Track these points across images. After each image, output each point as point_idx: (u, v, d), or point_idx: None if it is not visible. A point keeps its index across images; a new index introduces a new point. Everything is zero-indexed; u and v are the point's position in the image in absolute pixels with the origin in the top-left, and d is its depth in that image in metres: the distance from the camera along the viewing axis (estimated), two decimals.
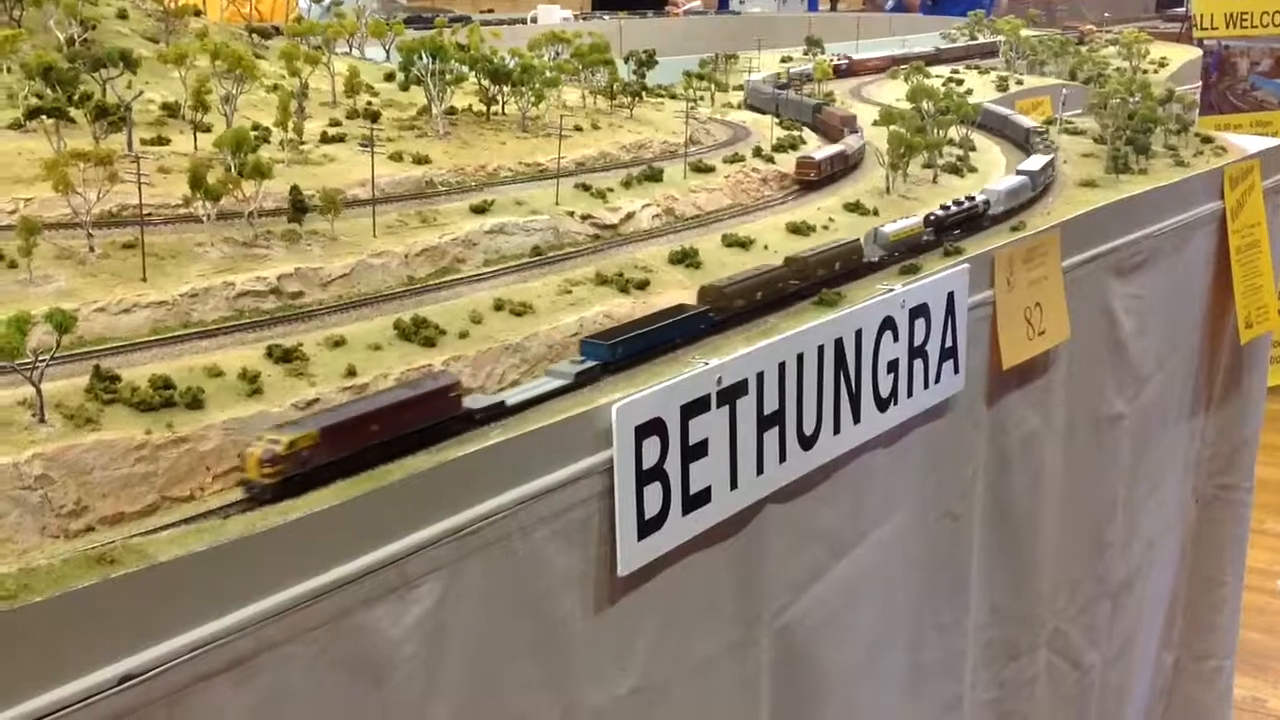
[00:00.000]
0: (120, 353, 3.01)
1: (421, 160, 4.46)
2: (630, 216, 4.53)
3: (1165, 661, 6.98)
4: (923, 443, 4.45)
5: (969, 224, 4.93)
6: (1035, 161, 5.71)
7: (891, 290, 4.14)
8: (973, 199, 5.03)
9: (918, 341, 4.22)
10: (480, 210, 4.17)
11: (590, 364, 3.38)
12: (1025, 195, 5.43)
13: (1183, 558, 6.84)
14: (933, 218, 4.80)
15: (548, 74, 5.40)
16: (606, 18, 16.19)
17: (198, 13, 5.86)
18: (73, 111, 3.88)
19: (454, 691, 2.88)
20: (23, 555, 2.43)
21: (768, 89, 7.34)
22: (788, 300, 4.07)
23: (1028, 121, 6.78)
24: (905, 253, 4.59)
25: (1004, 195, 5.18)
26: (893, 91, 8.33)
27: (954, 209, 4.89)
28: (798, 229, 4.70)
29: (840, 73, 8.76)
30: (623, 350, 3.44)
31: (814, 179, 5.25)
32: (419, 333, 3.38)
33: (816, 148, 5.69)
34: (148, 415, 2.79)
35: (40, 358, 2.68)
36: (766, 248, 4.48)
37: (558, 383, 3.29)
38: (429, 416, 2.93)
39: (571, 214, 4.38)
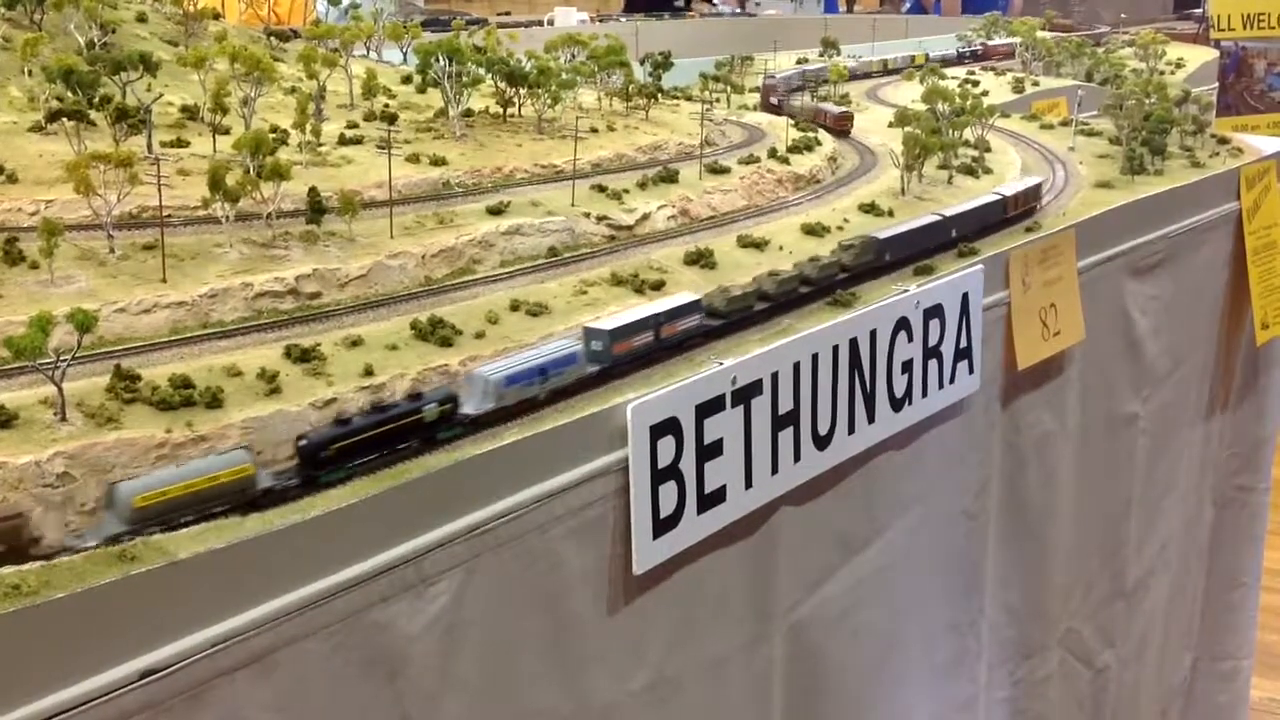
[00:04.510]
0: (140, 352, 3.04)
1: (438, 162, 4.48)
2: (646, 217, 4.55)
3: (1183, 662, 6.96)
4: (937, 443, 4.46)
5: (395, 448, 2.88)
6: (608, 321, 3.52)
7: (906, 291, 4.14)
8: (416, 401, 3.01)
9: (932, 342, 4.23)
10: (497, 211, 4.20)
11: None
12: (576, 372, 3.28)
13: (1200, 558, 6.83)
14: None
15: (564, 76, 5.43)
16: (623, 19, 16.22)
17: (216, 16, 5.91)
18: (93, 114, 3.93)
19: (469, 687, 2.91)
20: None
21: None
22: None
23: None
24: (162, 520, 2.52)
25: (493, 388, 3.13)
26: (908, 93, 8.33)
27: (351, 426, 2.84)
28: (812, 230, 4.71)
29: (979, 57, 11.00)
30: None
31: (848, 129, 6.59)
32: (436, 333, 3.40)
33: (844, 108, 6.98)
34: (168, 414, 2.82)
35: (62, 357, 2.71)
36: (782, 248, 4.49)
37: None
38: None
39: (587, 215, 4.40)
